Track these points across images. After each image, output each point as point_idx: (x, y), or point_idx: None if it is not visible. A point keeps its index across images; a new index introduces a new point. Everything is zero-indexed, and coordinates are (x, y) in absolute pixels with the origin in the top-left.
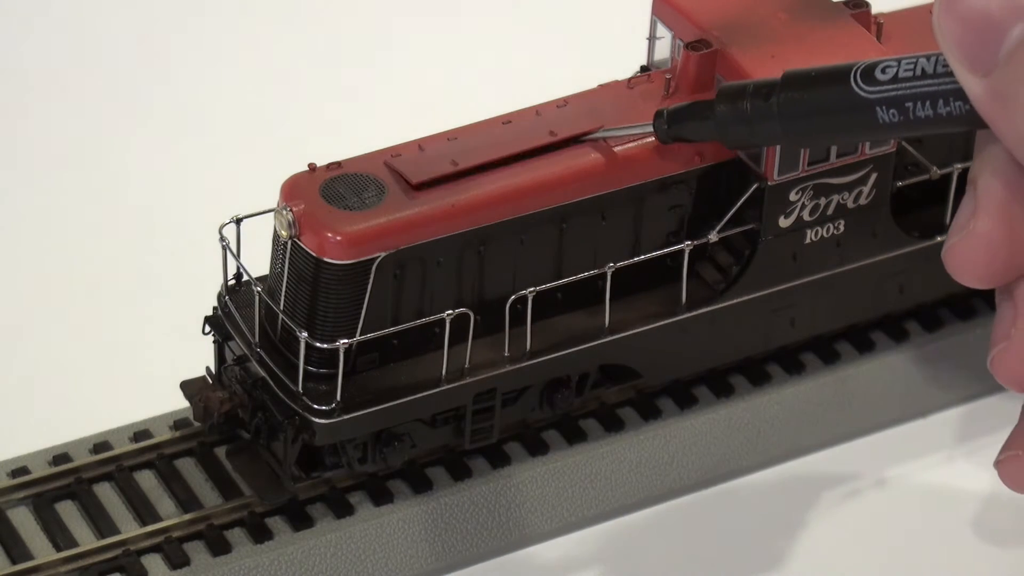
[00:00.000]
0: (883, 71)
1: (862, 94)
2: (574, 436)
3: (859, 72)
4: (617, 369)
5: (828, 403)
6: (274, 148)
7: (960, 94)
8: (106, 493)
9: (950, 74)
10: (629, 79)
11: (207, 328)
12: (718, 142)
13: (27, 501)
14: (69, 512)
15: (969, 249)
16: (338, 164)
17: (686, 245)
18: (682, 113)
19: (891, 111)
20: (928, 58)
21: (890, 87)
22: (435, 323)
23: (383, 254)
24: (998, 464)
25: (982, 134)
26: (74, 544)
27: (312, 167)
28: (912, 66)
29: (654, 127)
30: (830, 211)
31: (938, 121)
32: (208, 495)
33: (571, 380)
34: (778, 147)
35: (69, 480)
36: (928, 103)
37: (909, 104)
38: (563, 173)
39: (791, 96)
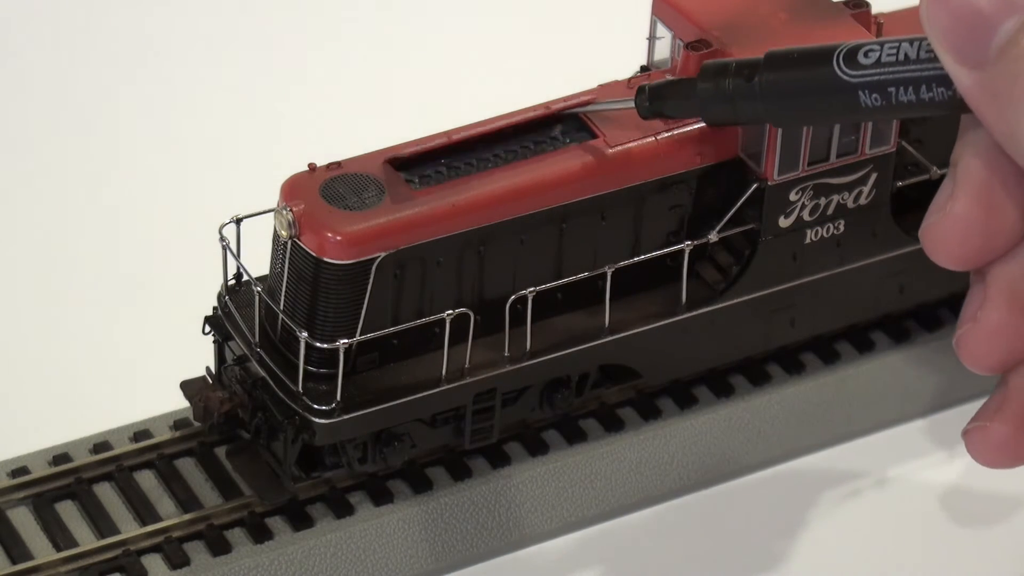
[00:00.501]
0: (866, 55)
1: (844, 78)
2: (574, 436)
3: (842, 55)
4: (617, 369)
5: (828, 403)
6: (274, 148)
7: (943, 80)
8: (106, 493)
9: (933, 59)
10: (629, 79)
11: (207, 328)
12: (699, 118)
13: (27, 501)
14: (69, 512)
15: (945, 229)
16: (338, 164)
17: (686, 245)
18: (664, 90)
19: (873, 95)
20: (911, 43)
21: (873, 71)
22: (435, 323)
23: (383, 254)
24: (965, 434)
25: (966, 117)
26: (74, 544)
27: (312, 167)
28: (895, 50)
29: (635, 103)
30: (830, 211)
31: (921, 106)
32: (208, 495)
33: (571, 380)
34: (778, 147)
35: (69, 480)
36: (911, 88)
37: (892, 89)
38: (563, 173)
39: (773, 77)
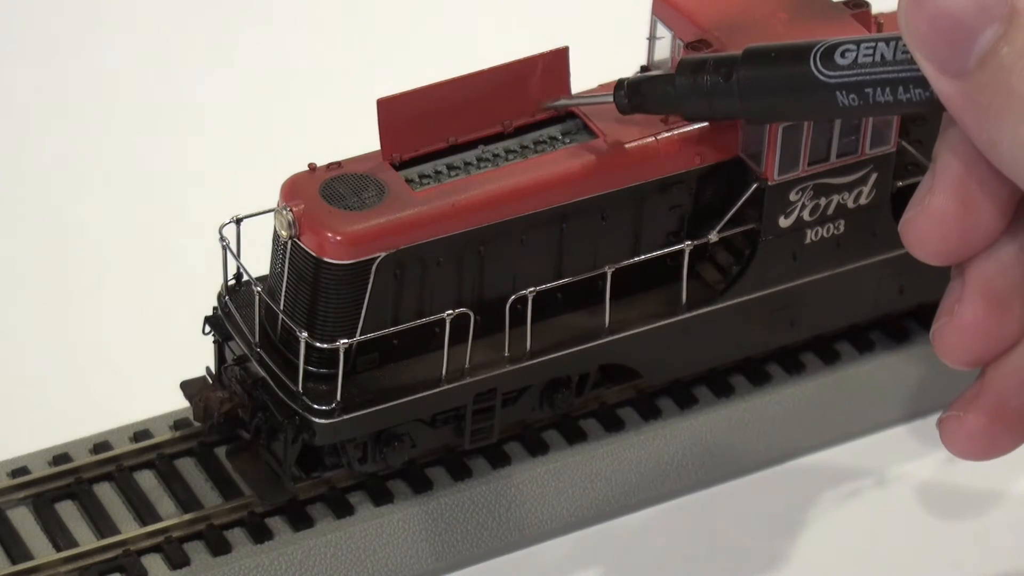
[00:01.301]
0: (843, 55)
1: (822, 78)
2: (574, 436)
3: (819, 54)
4: (617, 369)
5: (828, 403)
6: (274, 148)
7: (920, 82)
8: (106, 493)
9: (910, 61)
10: None
11: (207, 328)
12: (677, 114)
13: (27, 501)
14: (69, 512)
15: (923, 223)
16: (338, 164)
17: (686, 245)
18: (642, 84)
19: (851, 96)
20: (888, 43)
21: (850, 72)
22: (435, 323)
23: (383, 254)
24: (939, 423)
25: (947, 114)
26: (74, 544)
27: (312, 167)
28: (871, 51)
29: (614, 98)
30: (830, 211)
31: (898, 106)
32: (208, 495)
33: (571, 380)
34: (778, 147)
35: (69, 480)
36: (888, 89)
37: (869, 90)
38: (563, 173)
39: (751, 74)
